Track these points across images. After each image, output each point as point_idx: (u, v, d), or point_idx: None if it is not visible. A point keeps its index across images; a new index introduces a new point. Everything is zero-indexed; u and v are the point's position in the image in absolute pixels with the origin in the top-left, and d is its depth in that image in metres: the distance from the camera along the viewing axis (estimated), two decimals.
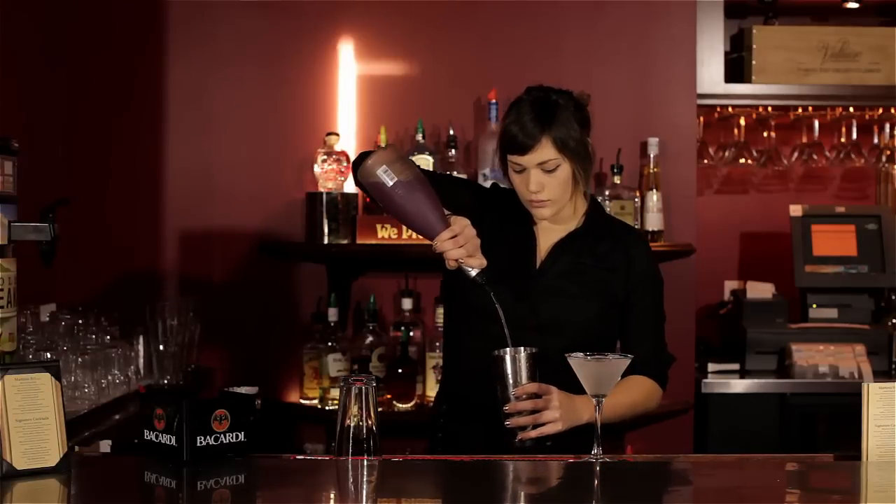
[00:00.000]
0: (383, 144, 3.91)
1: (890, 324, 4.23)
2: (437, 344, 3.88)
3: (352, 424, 2.17)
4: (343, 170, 3.91)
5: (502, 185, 2.77)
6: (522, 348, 2.40)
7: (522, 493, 2.14)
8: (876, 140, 4.44)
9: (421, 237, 2.45)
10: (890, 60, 4.23)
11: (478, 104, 4.03)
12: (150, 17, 4.01)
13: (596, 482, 2.14)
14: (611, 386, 2.22)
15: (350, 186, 3.95)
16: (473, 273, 2.42)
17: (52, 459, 2.06)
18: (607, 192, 3.95)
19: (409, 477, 2.18)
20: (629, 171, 4.04)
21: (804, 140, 4.44)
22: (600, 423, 2.23)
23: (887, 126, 4.41)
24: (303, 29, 4.04)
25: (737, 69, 4.29)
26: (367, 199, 3.92)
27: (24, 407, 2.04)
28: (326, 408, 3.86)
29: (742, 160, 4.41)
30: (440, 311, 3.91)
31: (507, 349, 2.39)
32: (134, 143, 4.03)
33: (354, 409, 2.17)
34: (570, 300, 2.58)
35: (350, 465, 2.15)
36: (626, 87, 4.08)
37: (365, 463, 2.15)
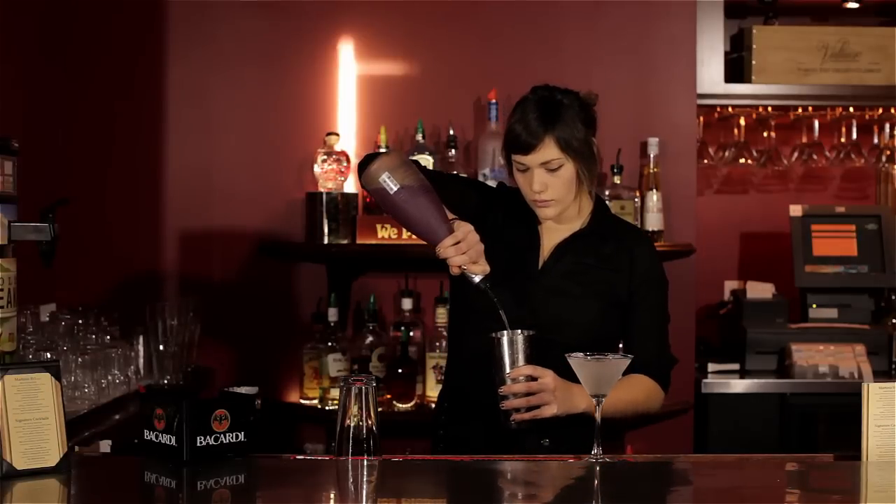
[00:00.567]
0: (383, 145, 3.91)
1: (890, 324, 4.23)
2: (437, 344, 3.88)
3: (352, 424, 2.17)
4: (343, 170, 3.91)
5: (508, 185, 2.77)
6: (520, 330, 2.40)
7: (522, 493, 2.14)
8: (876, 140, 4.44)
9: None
10: (890, 60, 4.23)
11: (478, 104, 4.03)
12: (149, 16, 4.01)
13: (596, 482, 2.14)
14: (611, 386, 2.22)
15: (350, 186, 3.95)
16: (477, 279, 2.42)
17: (52, 459, 2.06)
18: (607, 192, 3.95)
19: (409, 477, 2.18)
20: (629, 170, 4.04)
21: (804, 140, 4.44)
22: (599, 417, 2.22)
23: (887, 126, 4.41)
24: (303, 29, 4.04)
25: (737, 69, 4.29)
26: (368, 199, 3.93)
27: (24, 407, 2.05)
28: (326, 408, 3.86)
29: (742, 160, 4.41)
30: (440, 311, 3.92)
31: (505, 331, 2.40)
32: (134, 143, 4.03)
33: (354, 409, 2.17)
34: (571, 301, 2.58)
35: (350, 466, 2.15)
36: (626, 86, 4.08)
37: (365, 463, 2.15)
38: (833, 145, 4.43)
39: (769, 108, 4.37)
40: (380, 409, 2.22)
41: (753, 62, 4.23)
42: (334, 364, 3.87)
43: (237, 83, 4.04)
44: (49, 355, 2.94)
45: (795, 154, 4.44)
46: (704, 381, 4.07)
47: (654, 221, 4.01)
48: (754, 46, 4.23)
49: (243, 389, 2.25)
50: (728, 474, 2.28)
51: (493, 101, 3.91)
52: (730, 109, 4.36)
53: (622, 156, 4.01)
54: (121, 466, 2.32)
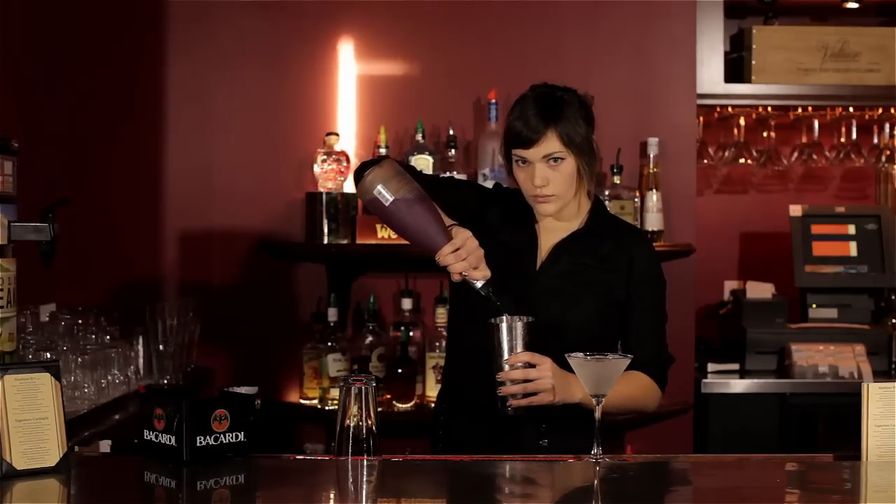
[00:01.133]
0: (383, 145, 3.91)
1: (890, 324, 4.23)
2: (437, 344, 3.88)
3: (351, 424, 2.17)
4: (343, 170, 3.91)
5: (505, 186, 2.77)
6: (518, 317, 2.40)
7: (522, 493, 2.14)
8: (876, 140, 4.44)
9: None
10: (890, 60, 4.23)
11: (477, 104, 4.03)
12: (150, 16, 4.01)
13: (596, 482, 2.14)
14: (610, 386, 2.22)
15: (350, 186, 3.95)
16: (478, 285, 2.43)
17: (52, 459, 2.06)
18: (607, 192, 3.95)
19: (409, 477, 2.18)
20: (629, 170, 4.04)
21: (804, 140, 4.44)
22: (599, 417, 2.22)
23: (887, 126, 4.42)
24: (303, 29, 4.04)
25: (736, 69, 4.29)
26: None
27: (24, 407, 2.05)
28: (326, 408, 3.86)
29: (742, 160, 4.41)
30: (440, 310, 3.92)
31: (504, 317, 2.40)
32: (134, 143, 4.03)
33: (354, 409, 2.17)
34: (569, 301, 2.58)
35: (350, 465, 2.15)
36: (626, 86, 4.08)
37: (365, 463, 2.15)
38: (833, 145, 4.43)
39: (769, 108, 4.37)
40: (379, 409, 2.22)
41: (753, 62, 4.23)
42: (334, 364, 3.87)
43: (237, 83, 4.04)
44: (49, 355, 2.94)
45: (795, 154, 4.44)
46: (704, 381, 4.07)
47: (653, 221, 4.01)
48: (754, 46, 4.23)
49: (243, 389, 2.25)
50: (728, 474, 2.28)
51: (493, 101, 3.91)
52: (730, 109, 4.36)
53: (622, 156, 4.01)
54: (121, 466, 2.32)
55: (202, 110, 4.03)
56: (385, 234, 3.85)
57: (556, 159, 2.52)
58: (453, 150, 3.92)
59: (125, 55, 4.02)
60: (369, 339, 3.94)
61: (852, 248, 4.28)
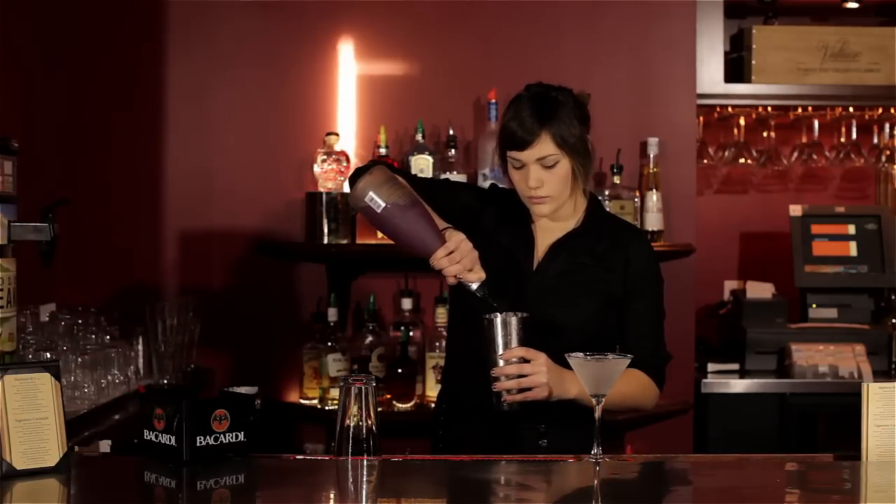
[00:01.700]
0: (383, 145, 3.91)
1: (890, 324, 4.23)
2: (437, 344, 3.88)
3: (351, 424, 2.17)
4: (343, 170, 3.91)
5: (501, 186, 2.77)
6: (513, 312, 2.40)
7: (522, 493, 2.14)
8: (876, 140, 4.44)
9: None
10: (890, 60, 4.23)
11: (477, 104, 4.03)
12: (150, 17, 4.01)
13: (596, 482, 2.14)
14: (611, 386, 2.22)
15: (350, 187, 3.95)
16: (474, 287, 2.43)
17: (52, 459, 2.06)
18: (607, 192, 3.95)
19: (409, 477, 2.18)
20: (629, 170, 4.04)
21: (804, 140, 4.44)
22: (599, 417, 2.22)
23: (887, 126, 4.42)
24: (303, 29, 4.04)
25: (736, 69, 4.29)
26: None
27: (24, 407, 2.05)
28: (326, 408, 3.86)
29: (742, 160, 4.41)
30: (440, 310, 3.91)
31: (498, 313, 2.40)
32: (134, 143, 4.03)
33: (354, 409, 2.17)
34: (566, 301, 2.58)
35: (350, 465, 2.15)
36: (626, 86, 4.08)
37: (365, 463, 2.15)
38: (833, 145, 4.43)
39: (769, 108, 4.37)
40: (379, 409, 2.22)
41: (753, 62, 4.23)
42: (334, 364, 3.87)
43: (237, 83, 4.04)
44: (49, 355, 2.94)
45: (795, 154, 4.44)
46: (704, 380, 4.07)
47: (653, 221, 4.01)
48: (754, 46, 4.23)
49: (243, 389, 2.25)
50: (728, 474, 2.28)
51: (493, 100, 3.91)
52: (729, 109, 4.36)
53: (622, 156, 4.01)
54: (120, 466, 2.32)
55: (202, 110, 4.03)
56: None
57: (550, 161, 2.52)
58: (453, 150, 3.92)
59: (125, 55, 4.02)
60: (369, 339, 3.94)
61: (852, 248, 4.28)
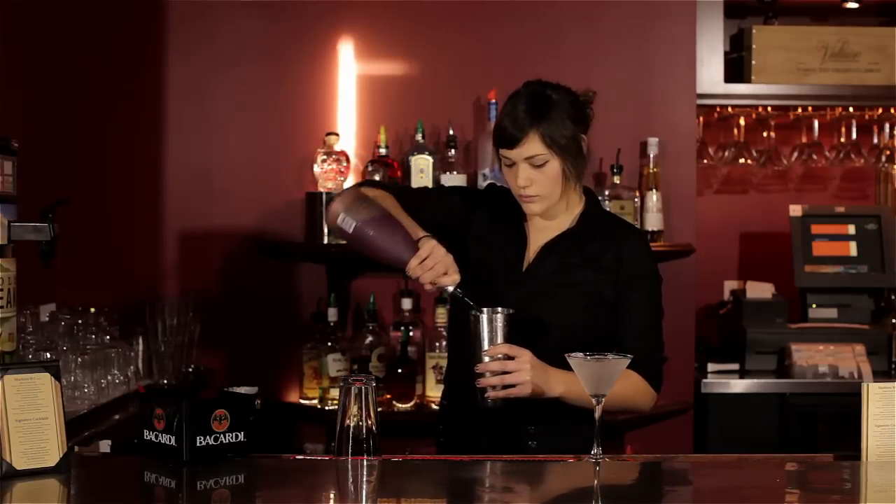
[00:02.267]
0: (383, 145, 3.90)
1: (890, 324, 4.23)
2: (437, 344, 3.88)
3: (351, 424, 2.17)
4: (343, 170, 3.91)
5: (500, 185, 2.77)
6: (500, 309, 2.41)
7: (522, 493, 2.14)
8: (875, 140, 4.44)
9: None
10: (889, 60, 4.23)
11: (477, 104, 4.03)
12: (150, 17, 4.01)
13: (596, 482, 2.14)
14: (610, 386, 2.22)
15: (350, 185, 3.95)
16: (450, 290, 2.45)
17: (52, 459, 2.06)
18: (607, 192, 3.95)
19: (409, 477, 2.19)
20: (629, 171, 4.04)
21: (804, 140, 4.44)
22: (599, 417, 2.22)
23: (887, 126, 4.41)
24: (303, 29, 4.04)
25: (736, 69, 4.29)
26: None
27: (24, 407, 2.05)
28: (326, 408, 3.86)
29: (742, 160, 4.41)
30: (440, 310, 3.91)
31: (485, 309, 2.41)
32: (134, 143, 4.03)
33: (354, 409, 2.17)
34: (555, 302, 2.56)
35: (350, 466, 2.15)
36: (626, 86, 4.08)
37: (364, 463, 2.15)
38: (833, 145, 4.43)
39: (769, 108, 4.37)
40: (379, 409, 2.22)
41: (753, 62, 4.23)
42: (334, 364, 3.87)
43: (237, 83, 4.04)
44: (49, 355, 2.95)
45: (795, 154, 4.44)
46: (704, 381, 4.07)
47: (653, 221, 4.01)
48: (754, 46, 4.23)
49: (243, 389, 2.25)
50: (727, 474, 2.29)
51: (493, 100, 3.91)
52: (729, 109, 4.36)
53: (622, 156, 4.01)
54: (120, 466, 2.32)
55: (202, 110, 4.03)
56: None
57: (539, 161, 2.51)
58: (453, 150, 3.92)
59: (125, 55, 4.02)
60: (369, 339, 3.94)
61: (852, 248, 4.28)
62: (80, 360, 3.16)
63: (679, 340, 4.02)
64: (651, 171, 4.04)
